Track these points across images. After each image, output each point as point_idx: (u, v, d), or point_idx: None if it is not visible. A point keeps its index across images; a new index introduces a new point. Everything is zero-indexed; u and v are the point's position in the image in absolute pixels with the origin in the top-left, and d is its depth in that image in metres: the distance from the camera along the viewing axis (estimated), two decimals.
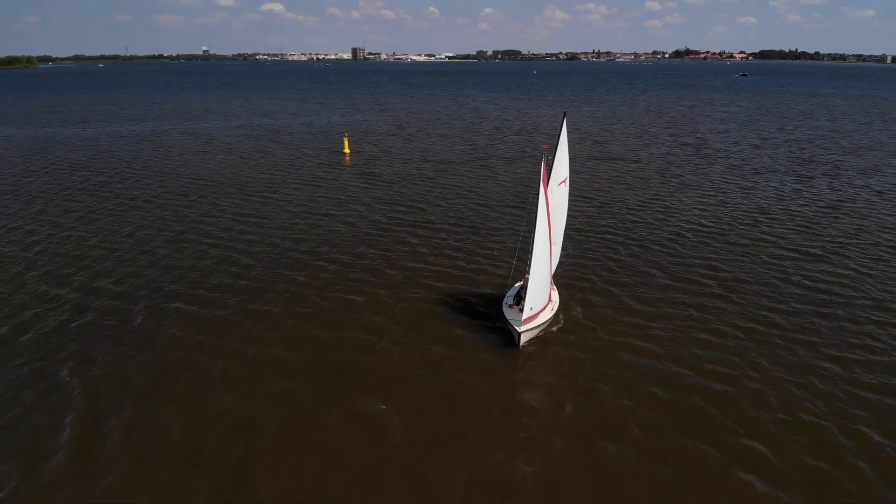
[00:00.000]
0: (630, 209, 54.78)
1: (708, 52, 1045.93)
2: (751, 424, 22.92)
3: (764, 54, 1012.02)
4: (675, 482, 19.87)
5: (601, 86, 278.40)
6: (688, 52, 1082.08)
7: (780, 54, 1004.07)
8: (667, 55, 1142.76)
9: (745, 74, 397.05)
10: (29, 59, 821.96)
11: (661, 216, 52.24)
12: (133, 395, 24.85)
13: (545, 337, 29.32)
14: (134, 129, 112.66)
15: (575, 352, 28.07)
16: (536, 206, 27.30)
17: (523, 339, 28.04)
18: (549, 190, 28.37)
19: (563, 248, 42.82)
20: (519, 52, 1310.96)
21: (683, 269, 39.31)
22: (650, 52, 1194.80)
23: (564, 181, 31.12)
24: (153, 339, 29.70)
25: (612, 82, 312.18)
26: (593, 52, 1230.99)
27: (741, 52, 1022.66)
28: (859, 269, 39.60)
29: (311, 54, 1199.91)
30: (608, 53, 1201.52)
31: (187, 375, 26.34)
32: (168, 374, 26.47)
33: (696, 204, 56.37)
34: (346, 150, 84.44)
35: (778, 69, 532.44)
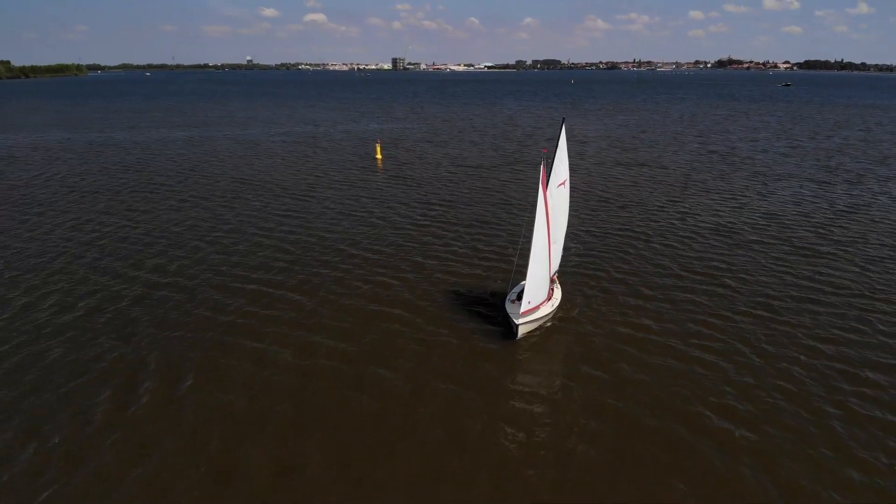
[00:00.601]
0: (648, 210, 57.41)
1: (751, 62, 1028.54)
2: (735, 406, 25.82)
3: (809, 64, 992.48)
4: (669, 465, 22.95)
5: (638, 95, 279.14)
6: (731, 61, 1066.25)
7: (826, 65, 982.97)
8: (709, 65, 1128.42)
9: (788, 85, 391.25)
10: (79, 68, 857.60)
11: (677, 217, 54.77)
12: (203, 347, 29.51)
13: (545, 329, 31.83)
14: (183, 135, 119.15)
15: (570, 342, 30.77)
16: (536, 208, 29.74)
17: (521, 330, 30.08)
18: (548, 192, 30.45)
19: (578, 245, 46.22)
20: (558, 62, 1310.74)
21: (691, 263, 42.00)
22: (692, 61, 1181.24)
23: (564, 183, 32.86)
24: (218, 310, 34.09)
25: (649, 92, 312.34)
26: (634, 62, 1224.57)
27: (785, 63, 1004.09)
28: (861, 267, 41.73)
29: (351, 64, 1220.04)
30: (649, 63, 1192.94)
31: (249, 338, 30.63)
32: (232, 335, 30.78)
33: (714, 207, 58.67)
34: (378, 156, 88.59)
35: (822, 80, 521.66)
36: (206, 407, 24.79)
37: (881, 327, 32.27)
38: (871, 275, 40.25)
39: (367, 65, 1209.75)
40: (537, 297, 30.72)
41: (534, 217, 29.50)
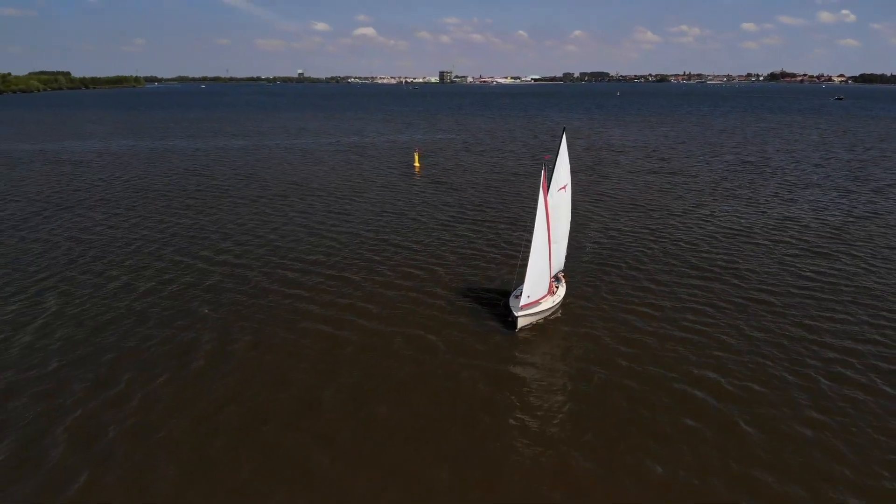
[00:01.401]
0: (672, 214, 60.58)
1: (805, 75, 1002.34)
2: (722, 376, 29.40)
3: (864, 78, 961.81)
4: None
5: (683, 107, 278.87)
6: (783, 74, 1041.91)
7: (882, 78, 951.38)
8: (761, 77, 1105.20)
9: (841, 98, 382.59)
10: (137, 79, 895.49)
11: (699, 220, 57.81)
12: (254, 322, 34.47)
13: (551, 320, 34.84)
14: (238, 144, 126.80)
15: (569, 335, 34.32)
16: (536, 210, 32.59)
17: (519, 323, 32.65)
18: (549, 195, 33.23)
19: (597, 243, 49.95)
20: (607, 74, 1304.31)
21: (703, 260, 45.34)
22: (744, 74, 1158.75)
23: (565, 187, 35.45)
24: (265, 293, 39.18)
25: (695, 104, 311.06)
26: (684, 74, 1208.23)
27: (840, 76, 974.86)
28: (864, 266, 44.35)
29: (399, 77, 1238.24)
30: (699, 75, 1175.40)
31: (292, 315, 35.54)
32: (278, 312, 35.76)
33: (736, 212, 61.44)
34: (417, 164, 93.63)
35: (876, 93, 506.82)
36: (276, 355, 29.74)
37: (864, 316, 35.18)
38: (875, 272, 42.90)
39: (414, 78, 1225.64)
40: (536, 292, 33.50)
41: (534, 218, 32.48)
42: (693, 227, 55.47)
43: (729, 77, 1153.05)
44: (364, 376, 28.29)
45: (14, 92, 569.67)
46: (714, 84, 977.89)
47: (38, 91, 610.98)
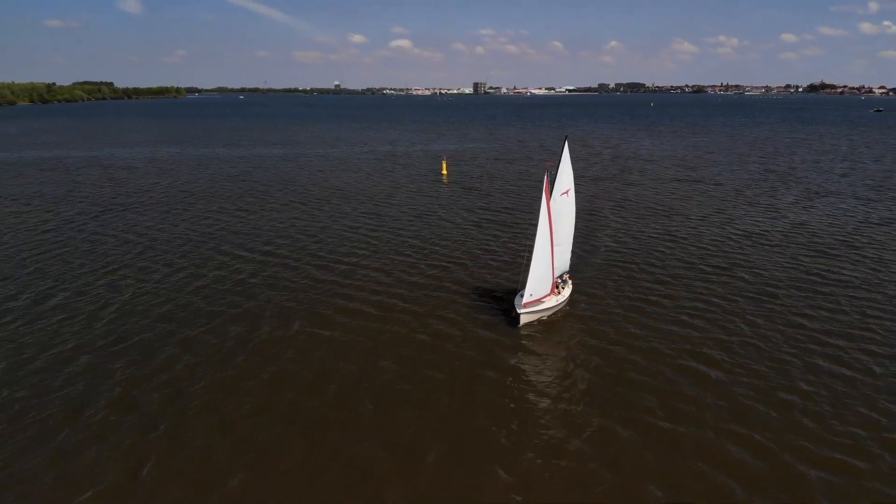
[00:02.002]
0: (690, 219, 63.07)
1: (845, 87, 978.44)
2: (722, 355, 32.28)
3: None
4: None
5: (716, 118, 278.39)
6: (823, 85, 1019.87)
7: None
8: (800, 89, 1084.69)
9: (880, 110, 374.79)
10: (178, 90, 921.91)
11: (716, 225, 60.24)
12: (305, 304, 38.98)
13: (558, 316, 37.31)
14: (277, 152, 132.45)
15: (569, 331, 37.29)
16: (539, 214, 35.06)
17: (522, 319, 34.89)
18: (551, 200, 35.51)
19: (615, 244, 52.85)
20: (642, 85, 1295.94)
21: (715, 260, 47.99)
22: (783, 85, 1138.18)
23: (567, 192, 37.38)
24: (316, 282, 43.50)
25: (729, 115, 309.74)
26: (721, 85, 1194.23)
27: (881, 87, 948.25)
28: (870, 267, 46.52)
29: (434, 89, 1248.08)
30: (737, 86, 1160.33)
31: (338, 299, 39.82)
32: (319, 298, 39.84)
33: (753, 217, 63.62)
34: (444, 172, 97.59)
35: None
36: (310, 338, 33.65)
37: (868, 312, 37.58)
38: (880, 273, 45.07)
39: (448, 89, 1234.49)
40: (539, 291, 35.55)
41: (537, 222, 34.94)
42: (708, 231, 57.92)
43: (767, 88, 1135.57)
44: (382, 357, 31.97)
45: (59, 101, 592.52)
46: (752, 95, 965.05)
47: (83, 101, 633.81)
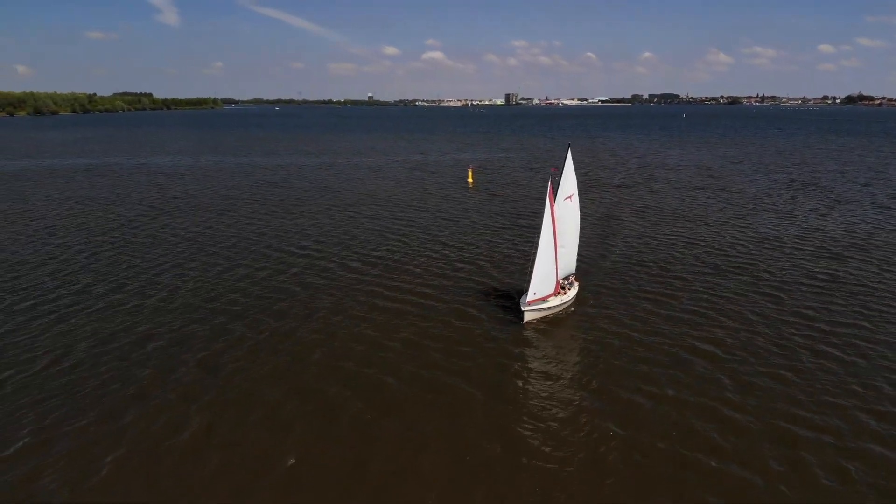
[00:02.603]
0: (708, 224, 65.70)
1: (884, 99, 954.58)
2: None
3: None
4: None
5: (747, 129, 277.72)
6: (861, 97, 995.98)
7: None
8: (837, 100, 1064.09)
9: None
10: (215, 101, 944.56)
11: (733, 230, 62.90)
12: (334, 295, 43.06)
13: (565, 315, 40.11)
14: (313, 161, 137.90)
15: (570, 330, 40.76)
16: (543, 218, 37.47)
17: (526, 316, 37.81)
18: (555, 204, 37.83)
19: (629, 248, 55.89)
20: (676, 96, 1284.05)
21: (726, 261, 50.87)
22: (819, 96, 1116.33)
23: (570, 197, 39.80)
24: (340, 279, 47.53)
25: (762, 126, 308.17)
26: (757, 97, 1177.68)
27: None
28: (874, 269, 48.90)
29: (465, 100, 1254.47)
30: (773, 98, 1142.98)
31: (364, 293, 43.71)
32: (350, 292, 43.88)
33: (770, 223, 65.99)
34: (470, 179, 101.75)
35: None
36: (355, 321, 37.70)
37: (857, 307, 40.25)
38: (881, 274, 47.47)
39: (480, 100, 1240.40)
40: (542, 290, 38.06)
41: (541, 225, 37.39)
42: (723, 235, 60.59)
43: (804, 99, 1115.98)
44: (404, 343, 35.74)
45: (100, 111, 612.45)
46: (787, 106, 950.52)
47: (123, 111, 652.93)
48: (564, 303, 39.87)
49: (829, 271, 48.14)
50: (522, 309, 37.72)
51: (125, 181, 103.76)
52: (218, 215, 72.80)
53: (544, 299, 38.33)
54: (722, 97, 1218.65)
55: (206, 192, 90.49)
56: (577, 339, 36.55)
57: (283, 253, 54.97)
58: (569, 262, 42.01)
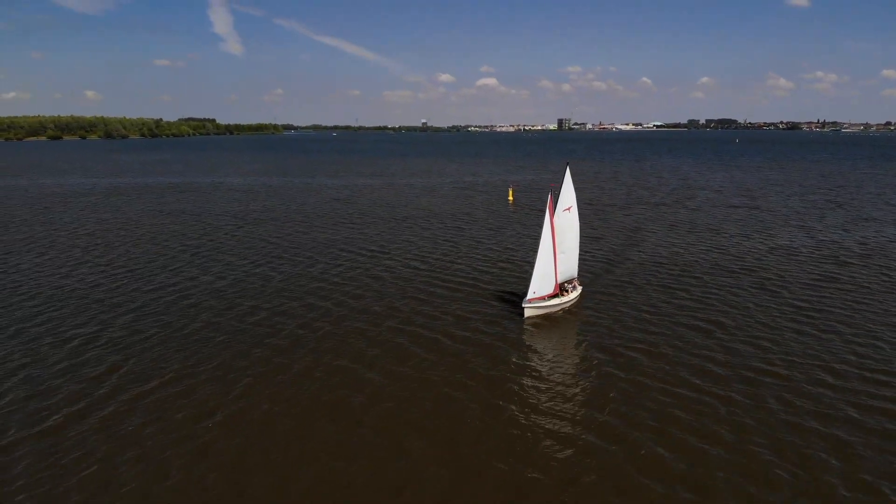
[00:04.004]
0: (731, 237, 72.24)
1: None
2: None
3: None
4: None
5: (797, 154, 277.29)
6: None
7: None
8: None
9: None
10: (276, 127, 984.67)
11: (755, 242, 69.39)
12: (397, 284, 52.11)
13: (556, 318, 45.63)
14: (372, 182, 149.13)
15: (570, 329, 48.62)
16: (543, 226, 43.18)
17: (526, 313, 43.08)
18: (555, 214, 42.82)
19: (645, 254, 63.21)
20: (734, 121, 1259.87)
21: (741, 266, 57.86)
22: (883, 122, 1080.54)
23: (569, 209, 44.59)
24: (407, 277, 56.60)
25: (817, 151, 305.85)
26: (817, 122, 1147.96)
27: None
28: (879, 276, 55.10)
29: (518, 125, 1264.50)
30: (834, 123, 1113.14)
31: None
32: (409, 279, 52.83)
33: (792, 236, 72.11)
34: (510, 197, 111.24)
35: None
36: (413, 309, 46.64)
37: (859, 311, 46.94)
38: (886, 282, 53.71)
39: (532, 125, 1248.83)
40: (541, 289, 43.46)
41: (541, 233, 43.14)
42: (746, 246, 67.09)
43: (867, 125, 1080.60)
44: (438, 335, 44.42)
45: (167, 136, 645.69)
46: (848, 132, 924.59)
47: (188, 135, 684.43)
48: (565, 303, 45.09)
49: (831, 274, 54.61)
50: (523, 306, 43.34)
51: (208, 196, 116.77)
52: (294, 225, 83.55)
53: (543, 298, 43.83)
54: (781, 122, 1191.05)
55: (281, 207, 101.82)
56: (581, 338, 42.39)
57: (353, 253, 64.67)
58: (569, 266, 46.76)
